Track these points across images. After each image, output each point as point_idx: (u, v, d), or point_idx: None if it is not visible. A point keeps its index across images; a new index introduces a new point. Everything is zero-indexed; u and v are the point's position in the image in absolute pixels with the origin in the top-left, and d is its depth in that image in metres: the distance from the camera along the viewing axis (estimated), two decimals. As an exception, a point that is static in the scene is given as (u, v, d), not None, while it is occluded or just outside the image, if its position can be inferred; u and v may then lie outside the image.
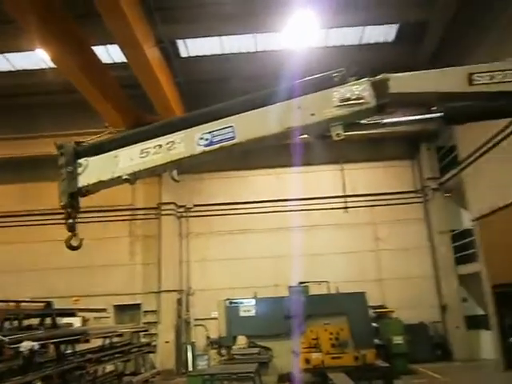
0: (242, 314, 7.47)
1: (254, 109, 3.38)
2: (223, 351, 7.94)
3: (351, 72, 3.38)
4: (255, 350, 7.54)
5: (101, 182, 3.42)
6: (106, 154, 3.46)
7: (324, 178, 16.75)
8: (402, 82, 3.41)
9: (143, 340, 12.57)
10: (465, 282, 15.77)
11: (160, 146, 3.35)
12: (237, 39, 14.71)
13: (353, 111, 3.28)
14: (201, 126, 3.37)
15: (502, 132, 11.65)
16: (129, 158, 3.38)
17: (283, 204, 16.31)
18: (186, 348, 15.24)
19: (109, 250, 16.24)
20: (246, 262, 16.01)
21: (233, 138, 3.31)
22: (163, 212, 16.59)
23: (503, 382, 11.71)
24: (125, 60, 12.78)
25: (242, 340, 7.75)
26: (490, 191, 13.06)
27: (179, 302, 15.89)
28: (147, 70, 12.59)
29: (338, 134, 3.31)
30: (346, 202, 16.20)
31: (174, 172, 3.68)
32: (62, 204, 3.37)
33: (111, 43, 13.48)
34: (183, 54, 15.17)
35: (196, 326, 15.75)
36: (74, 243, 3.36)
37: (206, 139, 3.32)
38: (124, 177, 3.36)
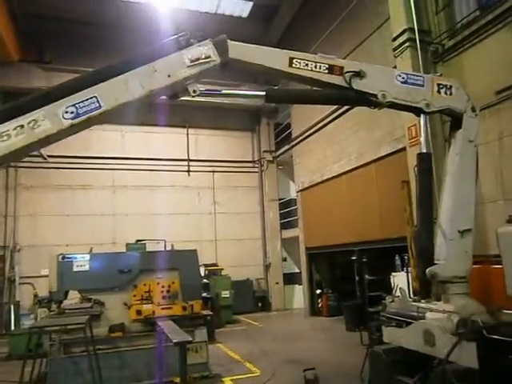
0: (75, 268, 7.46)
1: (114, 76, 3.52)
2: (54, 306, 7.84)
3: (195, 36, 3.88)
4: (88, 304, 7.67)
5: None
6: None
7: (169, 141, 16.95)
8: (238, 49, 4.03)
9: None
10: (286, 244, 18.13)
11: (22, 126, 3.16)
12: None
13: (203, 69, 3.84)
14: (63, 100, 3.32)
15: (326, 118, 13.52)
16: None
17: (127, 162, 16.08)
18: (9, 308, 14.27)
19: None
20: (85, 219, 15.47)
21: (99, 107, 3.39)
22: (-14, 160, 14.71)
23: (305, 323, 14.19)
24: None
25: (74, 295, 7.81)
26: (311, 168, 15.14)
27: (2, 258, 14.65)
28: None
29: (194, 90, 3.87)
30: (189, 165, 16.81)
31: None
32: None
33: None
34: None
35: (22, 284, 14.78)
36: None
37: (72, 112, 3.31)
38: None
